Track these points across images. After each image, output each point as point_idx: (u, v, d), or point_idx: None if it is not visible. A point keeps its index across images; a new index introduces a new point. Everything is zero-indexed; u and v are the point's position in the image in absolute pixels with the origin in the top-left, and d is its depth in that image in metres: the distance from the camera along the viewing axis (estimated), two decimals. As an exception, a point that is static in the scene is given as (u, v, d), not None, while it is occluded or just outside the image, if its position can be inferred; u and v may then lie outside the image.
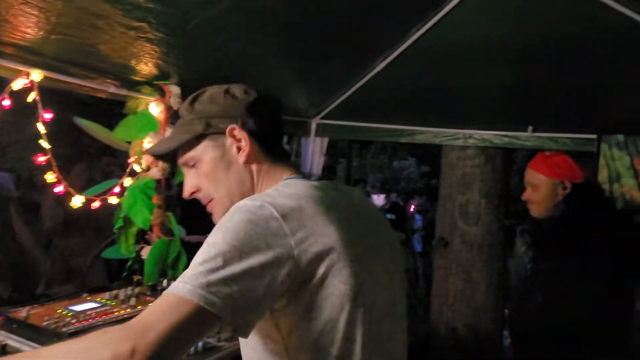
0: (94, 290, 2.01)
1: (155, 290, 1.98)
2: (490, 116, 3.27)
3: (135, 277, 2.34)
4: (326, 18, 2.19)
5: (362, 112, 3.44)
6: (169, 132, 2.40)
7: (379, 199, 4.86)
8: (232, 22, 1.97)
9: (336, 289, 0.94)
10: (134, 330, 0.78)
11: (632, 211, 2.99)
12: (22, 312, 1.55)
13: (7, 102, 1.88)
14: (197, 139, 1.10)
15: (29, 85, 1.91)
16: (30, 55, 1.89)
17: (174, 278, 2.26)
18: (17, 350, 1.38)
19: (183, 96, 2.39)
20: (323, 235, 0.93)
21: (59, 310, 1.61)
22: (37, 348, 1.43)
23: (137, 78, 2.33)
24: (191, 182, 1.13)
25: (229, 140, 1.09)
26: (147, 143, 2.38)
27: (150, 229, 2.45)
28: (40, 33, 1.77)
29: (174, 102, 2.39)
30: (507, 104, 3.13)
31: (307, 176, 1.11)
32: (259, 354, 1.03)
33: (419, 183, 9.21)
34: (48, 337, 1.42)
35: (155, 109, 2.40)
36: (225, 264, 0.85)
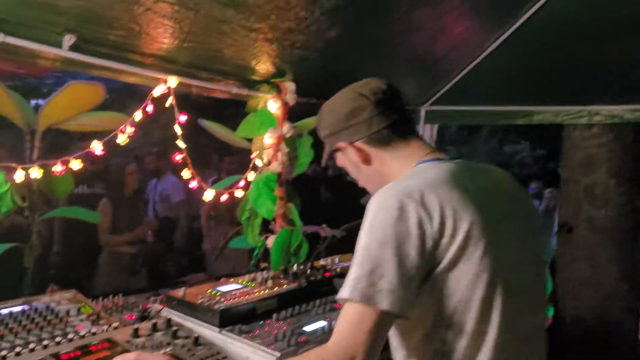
0: (219, 278, 2.15)
1: (287, 274, 2.10)
2: (619, 89, 3.01)
3: (262, 264, 2.50)
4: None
5: (473, 96, 3.33)
6: (286, 127, 2.52)
7: None
8: (345, 17, 2.03)
9: (469, 270, 0.98)
10: (344, 353, 0.93)
11: None
12: (179, 292, 1.75)
13: (150, 108, 2.08)
14: (333, 153, 1.30)
15: (166, 91, 2.10)
16: (166, 63, 2.08)
17: (298, 265, 2.35)
18: (179, 325, 1.55)
19: (296, 90, 2.50)
20: (459, 219, 0.98)
21: (209, 291, 1.79)
22: (195, 322, 1.62)
23: (256, 77, 2.46)
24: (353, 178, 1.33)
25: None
26: (268, 139, 2.52)
27: (274, 220, 2.59)
28: (175, 42, 1.94)
29: (290, 98, 2.49)
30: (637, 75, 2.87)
31: (441, 157, 1.15)
32: (394, 331, 1.09)
33: (534, 167, 8.73)
34: (203, 313, 1.60)
35: (273, 106, 2.52)
36: (383, 263, 0.95)
